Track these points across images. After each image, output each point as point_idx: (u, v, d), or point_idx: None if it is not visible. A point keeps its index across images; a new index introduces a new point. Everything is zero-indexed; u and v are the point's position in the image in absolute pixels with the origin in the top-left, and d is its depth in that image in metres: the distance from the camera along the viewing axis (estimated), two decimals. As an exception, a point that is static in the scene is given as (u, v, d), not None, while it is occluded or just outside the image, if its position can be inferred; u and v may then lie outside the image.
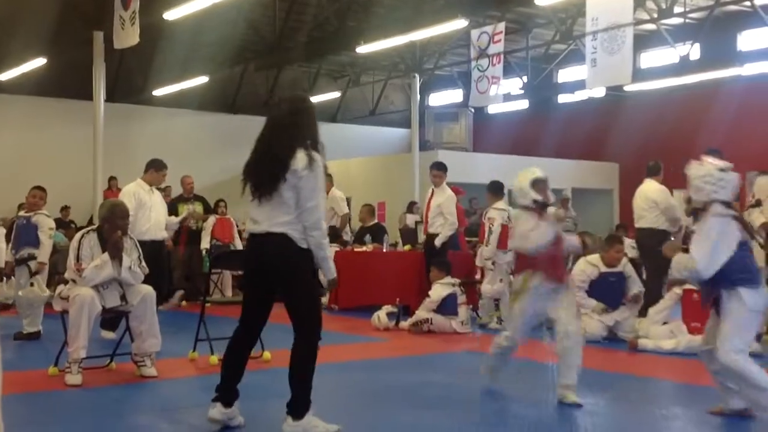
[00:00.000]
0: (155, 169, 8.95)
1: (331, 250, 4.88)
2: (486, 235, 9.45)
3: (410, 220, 14.55)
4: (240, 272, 12.16)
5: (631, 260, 9.01)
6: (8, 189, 16.44)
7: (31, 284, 8.37)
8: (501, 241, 9.48)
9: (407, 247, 11.57)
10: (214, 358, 6.79)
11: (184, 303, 12.10)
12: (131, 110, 21.01)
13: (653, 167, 9.78)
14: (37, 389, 6.01)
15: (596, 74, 13.74)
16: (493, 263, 9.48)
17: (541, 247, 5.60)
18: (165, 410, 5.46)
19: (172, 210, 11.11)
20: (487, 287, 9.60)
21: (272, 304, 4.68)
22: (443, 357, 7.89)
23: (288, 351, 4.54)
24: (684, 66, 16.74)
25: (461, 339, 8.85)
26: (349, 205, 13.74)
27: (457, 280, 9.32)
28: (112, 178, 17.54)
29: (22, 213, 9.02)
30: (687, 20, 17.37)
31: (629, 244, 10.11)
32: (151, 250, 7.99)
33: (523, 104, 23.05)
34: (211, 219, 12.38)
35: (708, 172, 5.08)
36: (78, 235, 6.48)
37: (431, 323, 9.05)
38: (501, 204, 9.77)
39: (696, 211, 5.13)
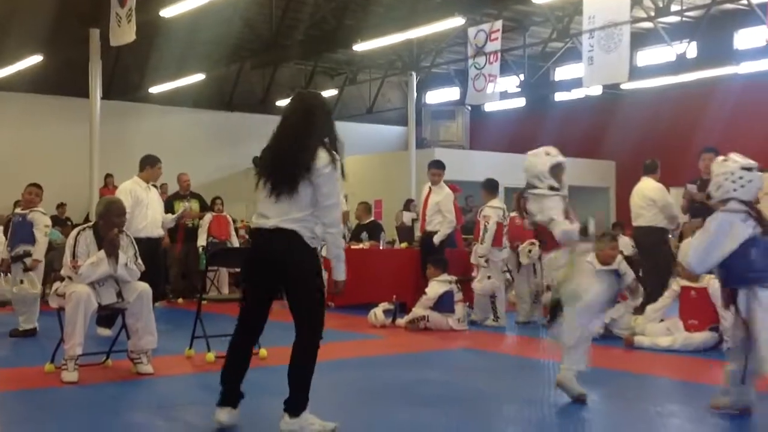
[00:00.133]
0: (150, 165, 8.95)
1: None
2: (481, 233, 9.46)
3: (407, 217, 14.57)
4: (237, 269, 12.29)
5: (628, 258, 9.00)
6: (4, 186, 16.41)
7: (21, 282, 8.36)
8: (496, 238, 9.51)
9: (404, 245, 11.57)
10: (211, 356, 6.79)
11: (180, 300, 12.11)
12: (127, 108, 20.99)
13: (650, 165, 9.77)
14: (34, 386, 6.01)
15: (593, 72, 13.75)
16: (487, 261, 9.48)
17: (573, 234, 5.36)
18: (161, 407, 5.46)
19: (169, 207, 11.10)
20: (477, 284, 9.60)
21: (272, 303, 4.64)
22: (440, 354, 7.89)
23: (284, 348, 4.53)
24: (681, 64, 16.74)
25: (458, 336, 8.85)
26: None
27: (453, 278, 9.32)
28: (108, 176, 17.52)
29: (18, 210, 9.01)
30: (684, 18, 17.37)
31: (628, 243, 10.11)
32: (148, 247, 7.99)
33: (520, 102, 23.05)
34: (208, 216, 12.38)
35: (730, 169, 5.01)
36: (74, 232, 6.47)
37: (428, 320, 9.06)
38: (496, 202, 9.79)
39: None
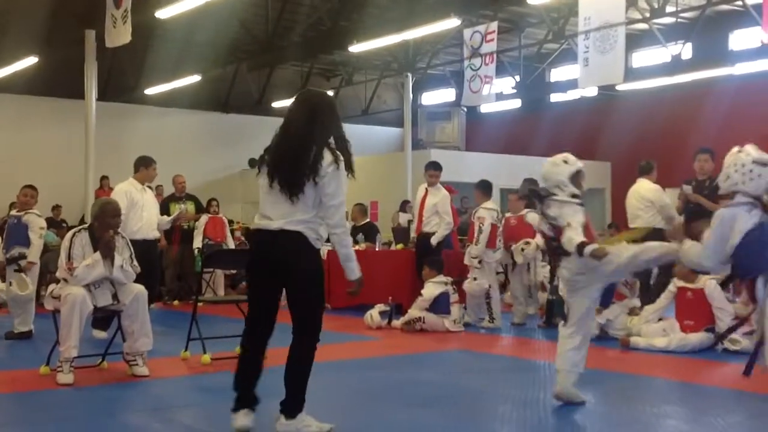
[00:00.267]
0: (144, 166, 8.93)
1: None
2: (476, 234, 9.46)
3: (403, 219, 14.58)
4: (232, 271, 12.30)
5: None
6: (-1, 188, 16.40)
7: (10, 283, 8.35)
8: (490, 240, 9.51)
9: (400, 246, 11.57)
10: (207, 358, 6.79)
11: (176, 302, 12.10)
12: (123, 109, 20.98)
13: (645, 166, 9.77)
14: (29, 389, 5.99)
15: (588, 73, 13.77)
16: (480, 262, 9.49)
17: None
18: (157, 409, 5.45)
19: (164, 209, 11.10)
20: (467, 285, 9.60)
21: (278, 305, 4.54)
22: (436, 356, 7.89)
23: (281, 349, 4.52)
24: (676, 65, 16.78)
25: (454, 337, 8.85)
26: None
27: (449, 279, 9.33)
28: (103, 177, 17.50)
29: (13, 212, 8.99)
30: (679, 20, 17.40)
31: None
32: (143, 249, 7.97)
33: (516, 103, 23.06)
34: (203, 218, 12.38)
35: (741, 161, 4.92)
36: (69, 234, 6.46)
37: (424, 322, 9.06)
38: (490, 203, 9.80)
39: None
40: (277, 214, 4.43)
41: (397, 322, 9.31)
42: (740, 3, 16.17)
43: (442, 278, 9.24)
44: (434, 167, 10.19)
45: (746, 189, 4.89)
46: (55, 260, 6.60)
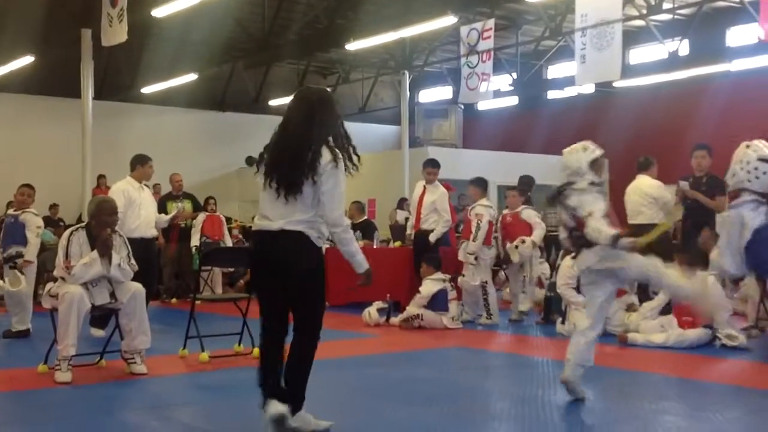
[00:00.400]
0: (140, 164, 8.90)
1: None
2: (474, 231, 9.45)
3: (400, 216, 14.58)
4: (230, 269, 12.30)
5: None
6: (-4, 187, 16.37)
7: (3, 280, 8.35)
8: (486, 237, 9.51)
9: (398, 244, 11.57)
10: (205, 356, 6.79)
11: (174, 300, 12.11)
12: (120, 108, 20.95)
13: (644, 162, 9.72)
14: (27, 387, 5.99)
15: (585, 70, 13.77)
16: (476, 258, 9.49)
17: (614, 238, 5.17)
18: (155, 407, 5.45)
19: (161, 208, 11.08)
20: (461, 280, 9.59)
21: (286, 304, 4.44)
22: (434, 353, 7.89)
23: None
24: (673, 62, 16.78)
25: (452, 334, 8.85)
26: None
27: (447, 276, 9.33)
28: (100, 176, 17.48)
29: (10, 211, 8.99)
30: (676, 16, 17.42)
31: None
32: (141, 247, 7.95)
33: (513, 101, 23.08)
34: (201, 216, 12.38)
35: (747, 158, 4.88)
36: (67, 232, 6.45)
37: (422, 319, 9.06)
38: (485, 200, 9.81)
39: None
40: (276, 214, 4.38)
41: (395, 320, 9.32)
42: (737, -1, 16.20)
43: (440, 275, 9.24)
44: (432, 164, 10.19)
45: (752, 187, 4.85)
46: (53, 259, 6.60)
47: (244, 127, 22.11)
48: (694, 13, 16.90)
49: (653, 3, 15.46)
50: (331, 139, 4.44)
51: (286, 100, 4.65)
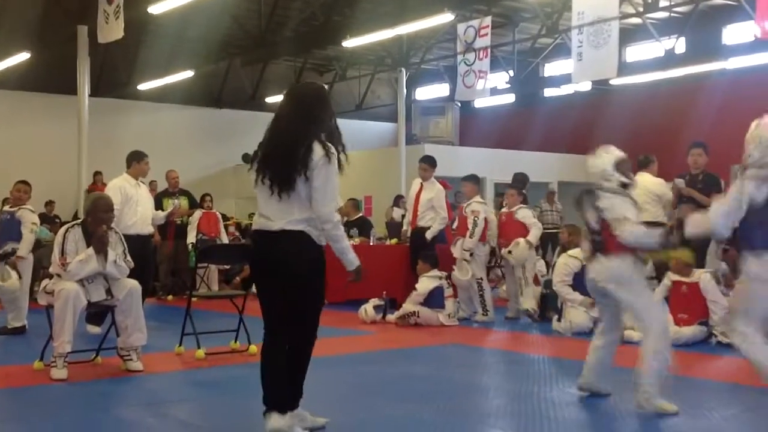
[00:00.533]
0: (136, 160, 8.89)
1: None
2: (471, 228, 9.46)
3: (397, 213, 14.59)
4: (226, 266, 12.29)
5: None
6: (-8, 184, 16.35)
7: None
8: (481, 233, 9.52)
9: (394, 241, 11.57)
10: (201, 353, 6.78)
11: (170, 297, 12.10)
12: (116, 105, 20.94)
13: (644, 160, 9.69)
14: (22, 384, 5.98)
15: (582, 68, 13.78)
16: (471, 254, 9.49)
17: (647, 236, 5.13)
18: (151, 404, 5.44)
19: (158, 204, 11.03)
20: (455, 274, 9.58)
21: (287, 304, 4.38)
22: (430, 350, 7.89)
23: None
24: (669, 60, 16.79)
25: (448, 332, 8.85)
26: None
27: (444, 273, 9.33)
28: (97, 173, 17.45)
29: (6, 208, 8.97)
30: (672, 14, 17.43)
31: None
32: (137, 244, 7.95)
33: (510, 98, 23.05)
34: (197, 213, 12.36)
35: (759, 136, 4.89)
36: (63, 229, 6.44)
37: (418, 316, 9.06)
38: (479, 197, 9.82)
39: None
40: (275, 214, 4.31)
41: (391, 317, 9.32)
42: (734, -3, 16.21)
43: (436, 273, 9.24)
44: (428, 161, 10.17)
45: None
46: (49, 256, 6.59)
47: (241, 124, 22.12)
48: (690, 10, 16.91)
49: (650, 1, 15.47)
50: (324, 135, 4.38)
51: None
